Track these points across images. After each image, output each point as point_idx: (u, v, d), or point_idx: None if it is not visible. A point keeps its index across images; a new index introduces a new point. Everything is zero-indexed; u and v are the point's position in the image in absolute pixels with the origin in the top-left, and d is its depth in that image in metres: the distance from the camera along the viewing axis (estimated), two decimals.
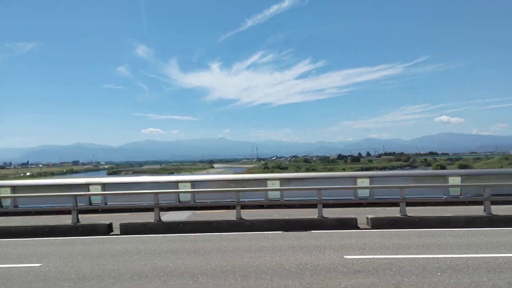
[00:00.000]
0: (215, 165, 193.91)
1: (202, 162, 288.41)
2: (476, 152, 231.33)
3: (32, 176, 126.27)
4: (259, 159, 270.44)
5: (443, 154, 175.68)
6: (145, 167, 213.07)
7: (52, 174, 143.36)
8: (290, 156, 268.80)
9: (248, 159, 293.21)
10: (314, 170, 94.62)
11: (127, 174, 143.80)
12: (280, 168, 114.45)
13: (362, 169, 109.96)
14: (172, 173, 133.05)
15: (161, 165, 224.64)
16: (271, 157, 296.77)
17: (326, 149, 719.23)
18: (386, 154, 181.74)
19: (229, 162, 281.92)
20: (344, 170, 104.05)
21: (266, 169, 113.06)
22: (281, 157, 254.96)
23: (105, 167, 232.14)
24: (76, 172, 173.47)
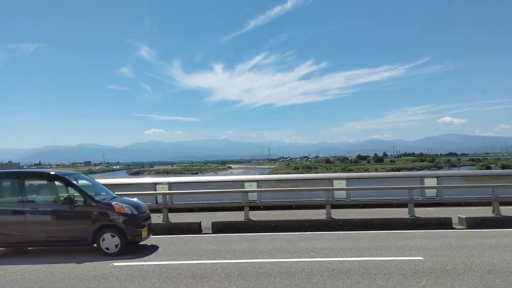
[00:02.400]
0: (233, 166, 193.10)
1: (212, 162, 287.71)
2: (489, 153, 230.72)
3: None
4: (270, 160, 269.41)
5: (463, 154, 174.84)
6: (156, 167, 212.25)
7: None
8: (300, 157, 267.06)
9: (257, 160, 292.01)
10: (350, 171, 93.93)
11: (150, 174, 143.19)
12: (309, 168, 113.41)
13: (393, 170, 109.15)
14: (196, 173, 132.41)
15: (172, 166, 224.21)
16: (279, 158, 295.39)
17: (329, 150, 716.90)
18: (405, 154, 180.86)
19: (241, 162, 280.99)
20: (376, 170, 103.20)
21: (295, 169, 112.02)
22: (296, 158, 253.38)
23: (118, 167, 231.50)
24: (94, 172, 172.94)
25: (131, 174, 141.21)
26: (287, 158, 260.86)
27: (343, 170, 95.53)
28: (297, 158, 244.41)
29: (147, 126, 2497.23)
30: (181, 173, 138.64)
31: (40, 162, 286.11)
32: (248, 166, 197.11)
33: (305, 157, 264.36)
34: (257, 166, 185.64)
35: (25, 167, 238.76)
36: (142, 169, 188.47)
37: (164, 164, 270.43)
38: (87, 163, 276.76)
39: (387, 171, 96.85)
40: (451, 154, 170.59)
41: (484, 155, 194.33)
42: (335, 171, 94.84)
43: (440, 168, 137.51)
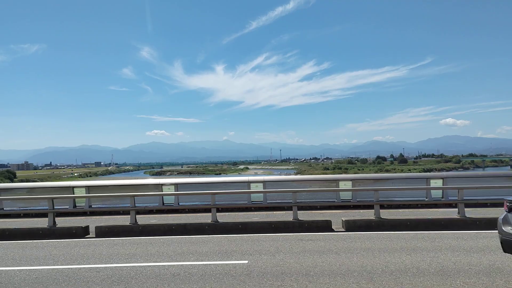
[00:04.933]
0: (250, 167, 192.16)
1: (221, 163, 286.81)
2: (502, 154, 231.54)
3: (79, 177, 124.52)
4: (282, 161, 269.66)
5: (482, 156, 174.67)
6: (165, 168, 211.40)
7: (95, 175, 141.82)
8: (310, 158, 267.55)
9: (266, 161, 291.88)
10: (387, 171, 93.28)
11: (172, 175, 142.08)
12: (339, 169, 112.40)
13: (424, 170, 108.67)
14: (219, 174, 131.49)
15: (181, 166, 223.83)
16: (287, 159, 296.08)
17: (332, 151, 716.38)
18: (425, 155, 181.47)
19: (253, 163, 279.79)
20: (409, 171, 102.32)
21: (325, 170, 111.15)
22: (310, 159, 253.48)
23: (131, 168, 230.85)
24: (112, 173, 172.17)
25: (153, 175, 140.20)
26: (302, 159, 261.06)
27: (380, 171, 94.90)
28: (311, 160, 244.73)
29: (148, 127, 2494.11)
30: (204, 173, 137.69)
31: (51, 162, 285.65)
32: (263, 167, 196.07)
33: (314, 158, 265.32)
34: (275, 167, 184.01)
35: (39, 167, 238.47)
36: (163, 169, 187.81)
37: (171, 165, 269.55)
38: (97, 164, 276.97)
39: (419, 171, 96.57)
40: (471, 155, 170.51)
41: (497, 156, 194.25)
42: (374, 172, 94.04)
43: (467, 169, 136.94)
